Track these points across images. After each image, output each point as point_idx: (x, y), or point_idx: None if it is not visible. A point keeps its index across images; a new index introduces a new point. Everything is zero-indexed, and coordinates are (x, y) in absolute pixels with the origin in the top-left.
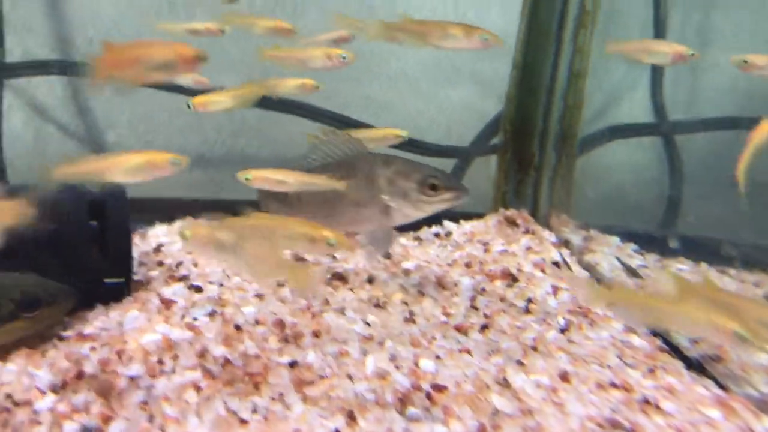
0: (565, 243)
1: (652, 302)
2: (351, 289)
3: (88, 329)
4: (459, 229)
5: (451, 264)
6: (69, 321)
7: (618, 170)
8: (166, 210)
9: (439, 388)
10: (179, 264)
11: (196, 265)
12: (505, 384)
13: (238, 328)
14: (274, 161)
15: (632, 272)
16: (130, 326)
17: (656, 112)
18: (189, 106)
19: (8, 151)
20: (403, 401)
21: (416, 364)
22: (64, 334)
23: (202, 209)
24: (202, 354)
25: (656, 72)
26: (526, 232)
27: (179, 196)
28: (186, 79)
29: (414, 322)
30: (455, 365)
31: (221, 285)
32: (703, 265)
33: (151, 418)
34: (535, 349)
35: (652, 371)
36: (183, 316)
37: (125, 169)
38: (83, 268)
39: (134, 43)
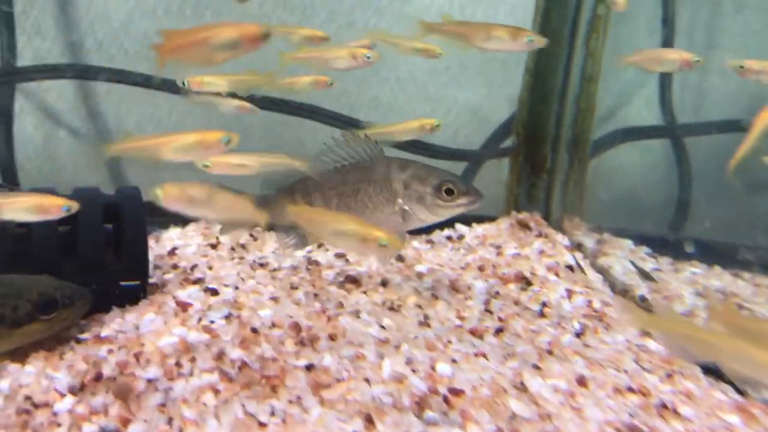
0: (578, 246)
1: (698, 334)
2: (365, 292)
3: (105, 332)
4: (471, 233)
5: (464, 267)
6: (86, 324)
7: (628, 173)
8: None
9: (456, 392)
10: (194, 267)
11: (210, 268)
12: (522, 388)
13: (254, 331)
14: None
15: (646, 275)
16: (147, 329)
17: (665, 115)
18: (184, 84)
19: (19, 153)
20: (420, 405)
21: (433, 368)
22: (81, 336)
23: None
24: (220, 357)
25: (665, 74)
26: (539, 235)
27: None
28: (230, 108)
29: (429, 325)
30: (471, 369)
31: (236, 288)
32: (717, 268)
33: (169, 421)
34: (550, 353)
35: (669, 376)
36: (200, 319)
37: (177, 147)
38: (100, 271)
39: (198, 26)
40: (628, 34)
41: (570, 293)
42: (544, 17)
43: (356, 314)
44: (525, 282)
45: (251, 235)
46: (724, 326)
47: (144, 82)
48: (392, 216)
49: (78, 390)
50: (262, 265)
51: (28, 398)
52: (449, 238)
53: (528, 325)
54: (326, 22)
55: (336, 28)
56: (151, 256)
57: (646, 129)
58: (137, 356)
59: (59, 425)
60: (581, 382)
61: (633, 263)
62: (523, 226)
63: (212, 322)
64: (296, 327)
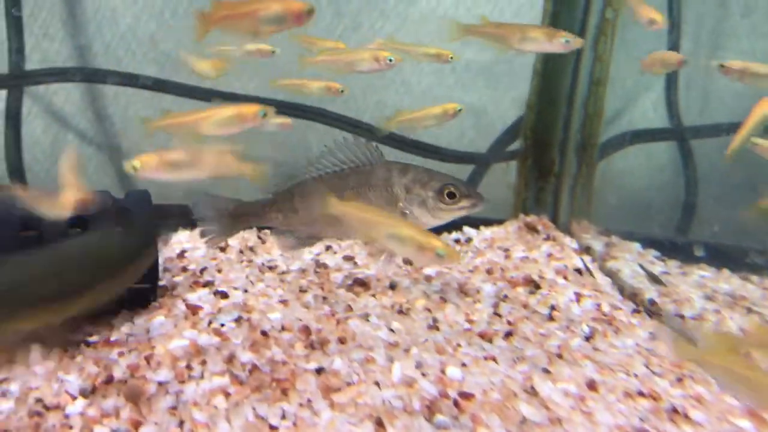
0: (587, 249)
1: (752, 374)
2: (373, 295)
3: (115, 335)
4: (479, 236)
5: (473, 270)
6: (95, 327)
7: (635, 176)
8: (187, 215)
9: (467, 396)
10: (203, 270)
11: (219, 270)
12: (532, 392)
13: (264, 334)
14: (291, 166)
15: (655, 279)
16: (158, 332)
17: (671, 118)
18: None
19: (27, 156)
20: (430, 409)
21: (443, 372)
22: (91, 339)
23: None
24: (230, 360)
25: (670, 76)
26: (547, 238)
27: None
28: (272, 126)
29: (438, 329)
30: (481, 373)
31: (246, 291)
32: (726, 272)
33: (180, 424)
34: (560, 356)
35: (680, 380)
36: (210, 322)
37: (216, 121)
38: None
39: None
40: (635, 38)
41: (579, 297)
42: (552, 20)
43: (365, 317)
44: (533, 285)
45: (259, 238)
46: (759, 349)
47: (153, 84)
48: None
49: (89, 393)
50: (270, 268)
51: (39, 401)
52: (457, 241)
53: (537, 329)
54: (332, 24)
55: (342, 29)
56: (160, 260)
57: (656, 131)
58: (148, 359)
59: (71, 428)
60: (591, 386)
61: (642, 266)
62: (531, 229)
63: (222, 325)
64: (306, 330)
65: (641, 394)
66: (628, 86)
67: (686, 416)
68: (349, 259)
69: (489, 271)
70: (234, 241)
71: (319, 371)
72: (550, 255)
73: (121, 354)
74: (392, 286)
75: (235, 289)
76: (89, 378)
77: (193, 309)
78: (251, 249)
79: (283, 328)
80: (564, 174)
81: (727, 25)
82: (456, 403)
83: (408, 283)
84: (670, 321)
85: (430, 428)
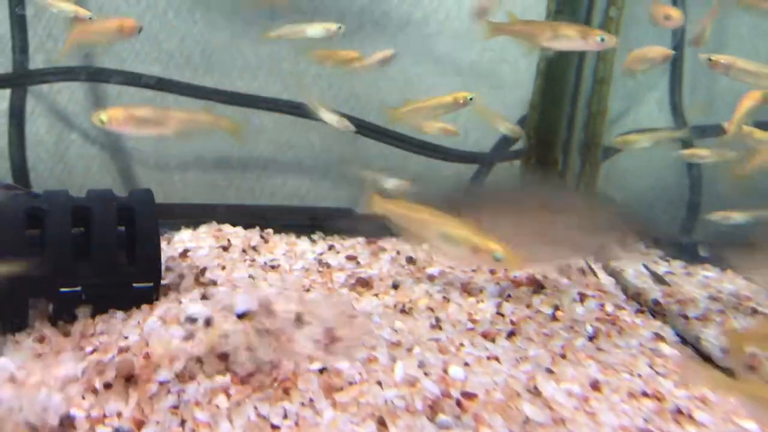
0: None
1: None
2: (376, 295)
3: (116, 333)
4: None
5: (476, 270)
6: (97, 326)
7: (639, 175)
8: (190, 215)
9: (469, 396)
10: (206, 269)
11: (223, 269)
12: (535, 392)
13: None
14: (293, 165)
15: (659, 279)
16: (158, 331)
17: (676, 117)
18: None
19: (31, 155)
20: (433, 408)
21: (445, 371)
22: (93, 339)
23: (225, 213)
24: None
25: (675, 75)
26: None
27: (201, 201)
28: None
29: (441, 328)
30: (484, 372)
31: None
32: (730, 272)
33: (182, 423)
34: (563, 356)
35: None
36: None
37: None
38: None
39: None
40: (639, 37)
41: (582, 297)
42: (555, 19)
43: (368, 317)
44: (537, 285)
45: (262, 237)
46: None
47: (156, 84)
48: None
49: (91, 393)
50: (273, 267)
51: None
52: None
53: (540, 329)
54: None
55: (345, 29)
56: (163, 258)
57: (660, 131)
58: (149, 358)
59: (75, 429)
60: (595, 386)
61: (646, 266)
62: None
63: None
64: None
65: (645, 394)
66: (632, 85)
67: (691, 417)
68: (351, 258)
69: (492, 271)
70: (237, 240)
71: (322, 371)
72: None
73: (121, 351)
74: (395, 286)
75: (238, 287)
76: (91, 378)
77: None
78: (254, 248)
79: None
80: (567, 173)
81: (730, 24)
82: (459, 403)
83: (411, 282)
84: (674, 321)
85: (433, 428)
